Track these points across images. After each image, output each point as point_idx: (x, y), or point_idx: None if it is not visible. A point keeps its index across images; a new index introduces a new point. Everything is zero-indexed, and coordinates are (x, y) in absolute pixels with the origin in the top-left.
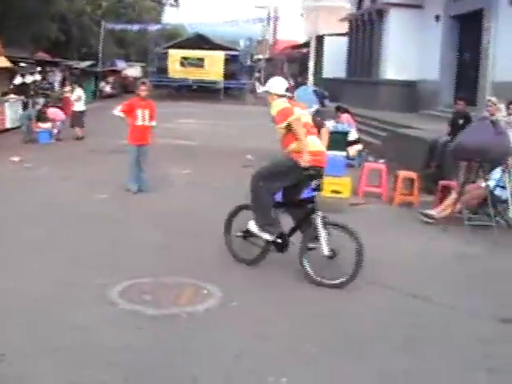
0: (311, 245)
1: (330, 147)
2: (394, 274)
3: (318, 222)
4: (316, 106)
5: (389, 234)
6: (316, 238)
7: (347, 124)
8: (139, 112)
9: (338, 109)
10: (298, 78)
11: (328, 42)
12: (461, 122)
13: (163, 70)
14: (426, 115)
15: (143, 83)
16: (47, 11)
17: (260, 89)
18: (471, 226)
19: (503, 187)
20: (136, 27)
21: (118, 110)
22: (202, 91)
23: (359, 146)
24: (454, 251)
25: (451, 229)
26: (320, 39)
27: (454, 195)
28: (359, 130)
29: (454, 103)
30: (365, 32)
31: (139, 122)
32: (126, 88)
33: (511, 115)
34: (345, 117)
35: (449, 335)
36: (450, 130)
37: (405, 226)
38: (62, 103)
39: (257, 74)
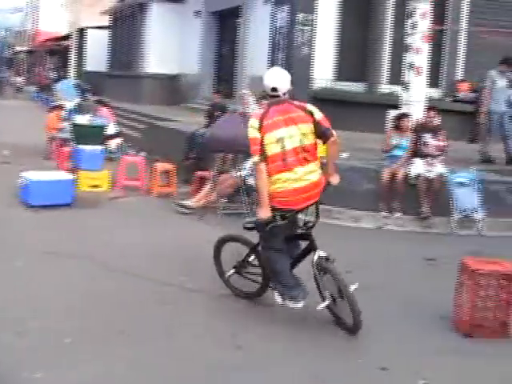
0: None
1: (87, 141)
2: (151, 263)
3: (314, 263)
4: (77, 100)
5: (147, 225)
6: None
7: (105, 118)
8: None
9: (98, 102)
10: (60, 71)
11: (90, 34)
12: (217, 114)
13: None
14: (187, 108)
15: None
16: None
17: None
18: (226, 214)
19: None
20: None
21: None
22: None
23: (119, 140)
24: (209, 238)
25: (207, 217)
26: (82, 32)
27: (208, 185)
28: (122, 124)
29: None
30: (127, 25)
31: None
32: None
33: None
34: (104, 111)
35: (204, 318)
36: (207, 122)
37: (163, 217)
38: None
39: (17, 67)
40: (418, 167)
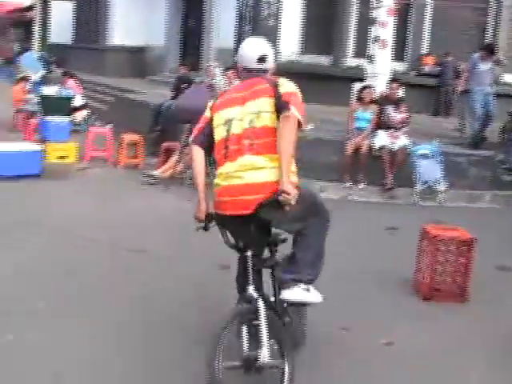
0: None
1: (54, 112)
2: (118, 231)
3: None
4: (42, 72)
5: (115, 195)
6: None
7: (72, 89)
8: None
9: (65, 74)
10: (23, 43)
11: (54, 6)
12: (183, 86)
13: None
14: (153, 81)
15: None
16: None
17: None
18: (191, 184)
19: None
20: None
21: None
22: None
23: (85, 112)
24: (174, 208)
25: (173, 188)
26: (46, 3)
27: (175, 157)
28: (87, 96)
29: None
30: None
31: None
32: None
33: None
34: (70, 82)
35: (169, 283)
36: (174, 94)
37: (130, 187)
38: None
39: None
40: (381, 139)
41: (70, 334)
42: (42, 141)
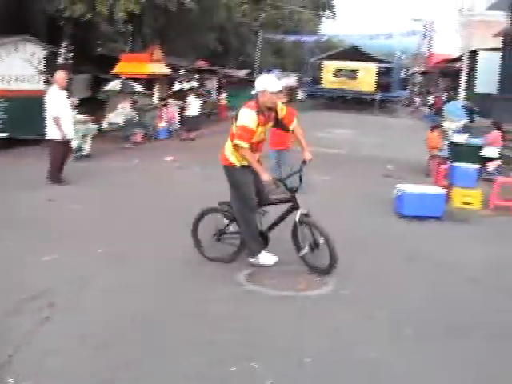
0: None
1: (463, 160)
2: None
3: (296, 219)
4: (464, 121)
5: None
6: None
7: (491, 141)
8: None
9: (494, 124)
10: (450, 93)
11: (481, 57)
12: None
13: (317, 81)
14: None
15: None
16: (207, 22)
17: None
18: None
19: None
20: (293, 38)
21: None
22: (355, 102)
23: (498, 162)
24: None
25: None
26: (473, 54)
27: None
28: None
29: None
30: None
31: None
32: None
33: None
34: (494, 133)
35: None
36: None
37: None
38: (217, 109)
39: (412, 88)
40: None
41: None
42: (449, 186)
